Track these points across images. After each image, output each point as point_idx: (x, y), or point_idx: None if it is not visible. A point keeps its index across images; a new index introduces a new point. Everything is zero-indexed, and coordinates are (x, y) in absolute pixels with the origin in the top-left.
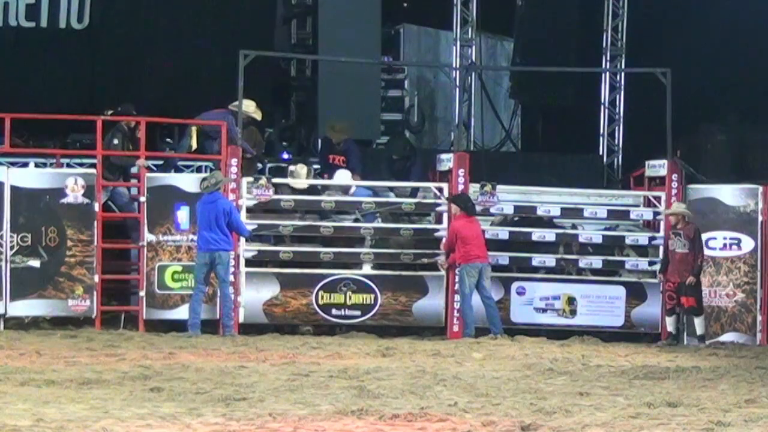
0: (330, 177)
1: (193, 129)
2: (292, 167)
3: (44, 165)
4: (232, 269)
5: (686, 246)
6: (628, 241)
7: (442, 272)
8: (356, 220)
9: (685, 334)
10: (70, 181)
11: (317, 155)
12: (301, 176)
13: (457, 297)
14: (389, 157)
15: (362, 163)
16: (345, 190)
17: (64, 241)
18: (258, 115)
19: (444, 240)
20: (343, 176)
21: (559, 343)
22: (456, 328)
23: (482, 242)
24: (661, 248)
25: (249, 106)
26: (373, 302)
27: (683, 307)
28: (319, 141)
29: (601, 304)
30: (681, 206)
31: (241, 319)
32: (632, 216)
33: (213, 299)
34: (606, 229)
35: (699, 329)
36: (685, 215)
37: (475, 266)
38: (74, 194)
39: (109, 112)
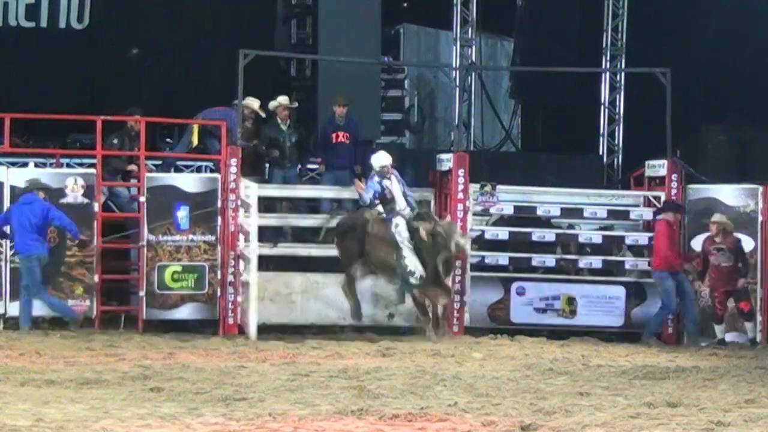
0: (334, 156)
1: (195, 126)
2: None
3: (44, 165)
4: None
5: None
6: (627, 242)
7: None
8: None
9: (685, 333)
10: (70, 181)
11: (317, 155)
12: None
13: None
14: None
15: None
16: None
17: (64, 241)
18: (262, 113)
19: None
20: (382, 157)
21: (559, 343)
22: (456, 328)
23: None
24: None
25: (253, 103)
26: None
27: None
28: (319, 127)
29: (601, 304)
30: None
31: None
32: (632, 216)
33: (213, 299)
34: (601, 228)
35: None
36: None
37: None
38: (74, 194)
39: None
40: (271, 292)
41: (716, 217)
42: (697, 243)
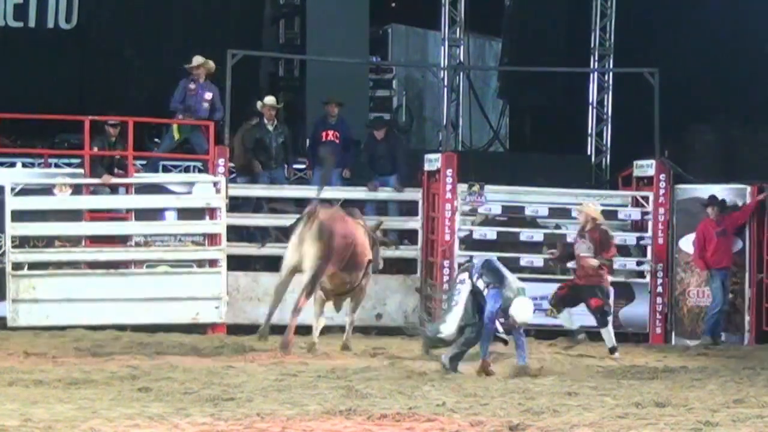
0: (323, 155)
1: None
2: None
3: (32, 165)
4: None
5: None
6: (616, 242)
7: None
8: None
9: (673, 333)
10: (58, 180)
11: (304, 155)
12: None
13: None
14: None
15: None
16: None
17: (52, 240)
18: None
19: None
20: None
21: (548, 343)
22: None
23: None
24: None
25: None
26: None
27: None
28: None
29: None
30: None
31: None
32: (620, 216)
33: None
34: None
35: None
36: None
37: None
38: (62, 194)
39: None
40: (260, 293)
41: (584, 206)
42: (685, 243)
